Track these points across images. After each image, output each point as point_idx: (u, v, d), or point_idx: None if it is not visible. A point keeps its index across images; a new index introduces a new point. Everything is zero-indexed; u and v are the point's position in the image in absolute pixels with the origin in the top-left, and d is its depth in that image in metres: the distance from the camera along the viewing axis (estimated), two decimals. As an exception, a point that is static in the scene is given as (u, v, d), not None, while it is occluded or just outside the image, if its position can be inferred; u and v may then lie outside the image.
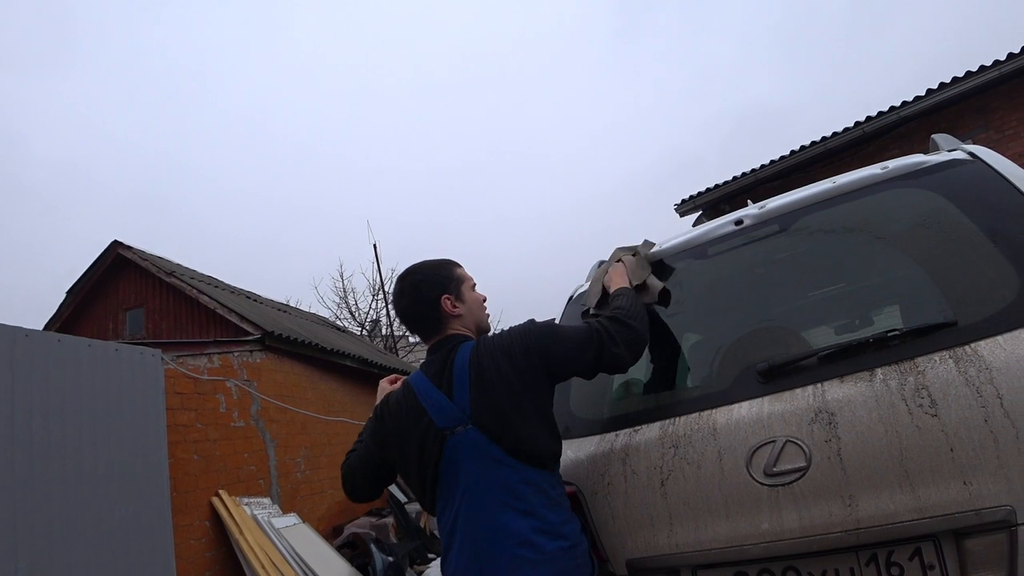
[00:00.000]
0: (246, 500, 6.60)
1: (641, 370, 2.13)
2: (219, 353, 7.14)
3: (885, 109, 9.69)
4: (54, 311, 12.29)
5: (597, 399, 2.13)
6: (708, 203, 11.80)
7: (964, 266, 1.69)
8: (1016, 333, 1.46)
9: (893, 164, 2.00)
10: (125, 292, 12.19)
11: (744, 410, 1.67)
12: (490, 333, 1.94)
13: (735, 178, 11.32)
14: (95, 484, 4.36)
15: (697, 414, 1.77)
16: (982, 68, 8.87)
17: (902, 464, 1.43)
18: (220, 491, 6.36)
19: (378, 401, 1.98)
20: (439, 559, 1.88)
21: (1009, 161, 1.86)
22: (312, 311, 19.80)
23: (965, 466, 1.38)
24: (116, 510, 4.49)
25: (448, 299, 1.87)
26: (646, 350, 1.92)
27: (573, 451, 1.95)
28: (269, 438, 7.60)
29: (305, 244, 47.11)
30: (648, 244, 2.26)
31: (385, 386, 2.05)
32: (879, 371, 1.56)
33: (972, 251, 1.68)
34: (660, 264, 2.21)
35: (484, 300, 2.00)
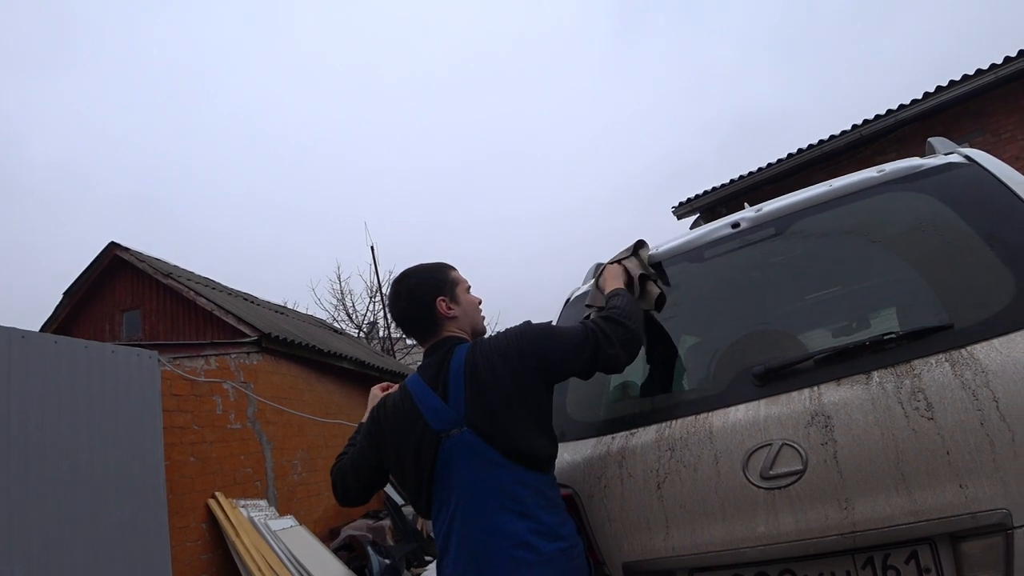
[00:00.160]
0: (242, 502, 6.59)
1: (638, 373, 2.13)
2: (216, 355, 7.13)
3: (882, 112, 9.72)
4: (51, 312, 12.27)
5: (593, 402, 2.13)
6: (705, 206, 11.81)
7: (960, 269, 1.69)
8: (1012, 336, 1.46)
9: (889, 167, 2.00)
10: (122, 293, 12.18)
11: (740, 413, 1.67)
12: (486, 335, 1.94)
13: (732, 181, 11.33)
14: (91, 486, 4.35)
15: (693, 417, 1.76)
16: (979, 72, 8.90)
17: (898, 467, 1.43)
18: (216, 493, 6.35)
19: (369, 408, 1.98)
20: (436, 562, 1.87)
21: (1005, 164, 1.87)
22: (309, 313, 19.81)
23: (961, 469, 1.38)
24: (112, 512, 4.48)
25: (443, 301, 1.87)
26: (643, 353, 1.92)
27: (569, 454, 1.94)
28: (266, 440, 7.59)
29: (303, 246, 47.13)
30: (640, 244, 2.25)
31: (377, 392, 2.05)
32: (875, 374, 1.56)
33: (968, 254, 1.68)
34: (657, 267, 2.21)
35: (479, 303, 2.00)
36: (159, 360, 5.51)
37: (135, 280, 12.01)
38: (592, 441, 1.94)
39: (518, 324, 1.82)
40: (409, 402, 1.79)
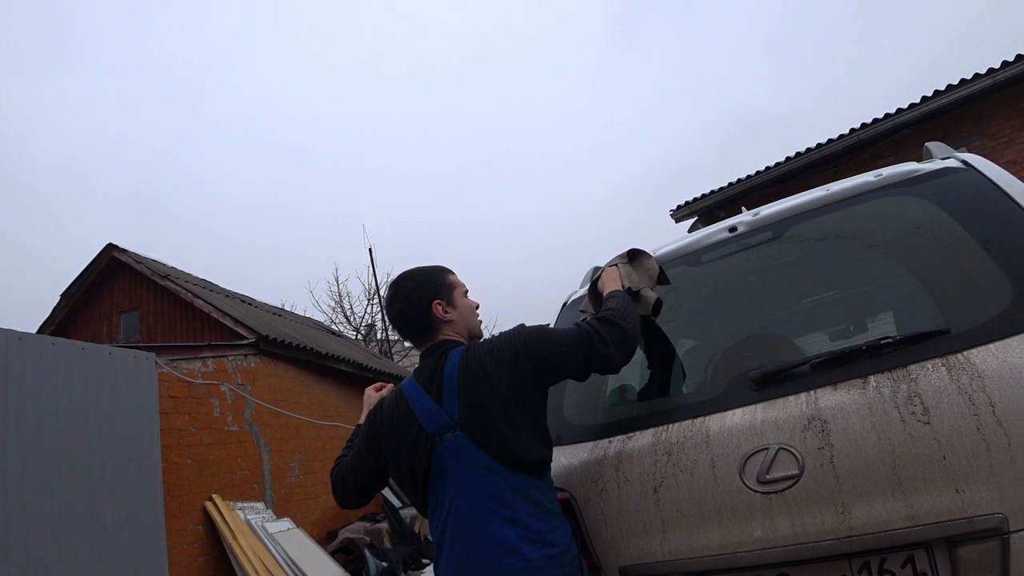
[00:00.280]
0: (240, 505, 6.58)
1: (634, 377, 2.13)
2: (213, 357, 7.12)
3: (880, 116, 9.73)
4: (48, 314, 12.26)
5: (590, 405, 2.13)
6: (703, 209, 11.82)
7: (957, 274, 1.69)
8: (1008, 341, 1.46)
9: (886, 172, 2.00)
10: (119, 295, 12.17)
11: (737, 417, 1.67)
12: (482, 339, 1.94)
13: (730, 184, 11.34)
14: (88, 488, 4.34)
15: (690, 421, 1.76)
16: (976, 76, 8.91)
17: (895, 472, 1.43)
18: (214, 495, 6.34)
19: (365, 408, 1.98)
20: (432, 563, 1.88)
21: (1002, 169, 1.87)
22: (307, 315, 19.81)
23: (958, 474, 1.38)
24: (109, 514, 4.47)
25: (440, 304, 1.87)
26: (640, 356, 1.92)
27: (566, 457, 1.94)
28: (263, 442, 7.57)
29: (301, 246, 47.14)
30: (634, 252, 2.23)
31: (371, 393, 2.05)
32: (872, 379, 1.56)
33: (965, 259, 1.68)
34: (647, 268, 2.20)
35: (477, 307, 2.00)
36: (156, 362, 5.50)
37: (133, 282, 12.01)
38: (589, 445, 1.94)
39: (513, 327, 1.82)
40: (404, 405, 1.79)
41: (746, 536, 1.55)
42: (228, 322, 9.63)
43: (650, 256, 2.13)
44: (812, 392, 1.61)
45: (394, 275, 1.99)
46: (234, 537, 6.00)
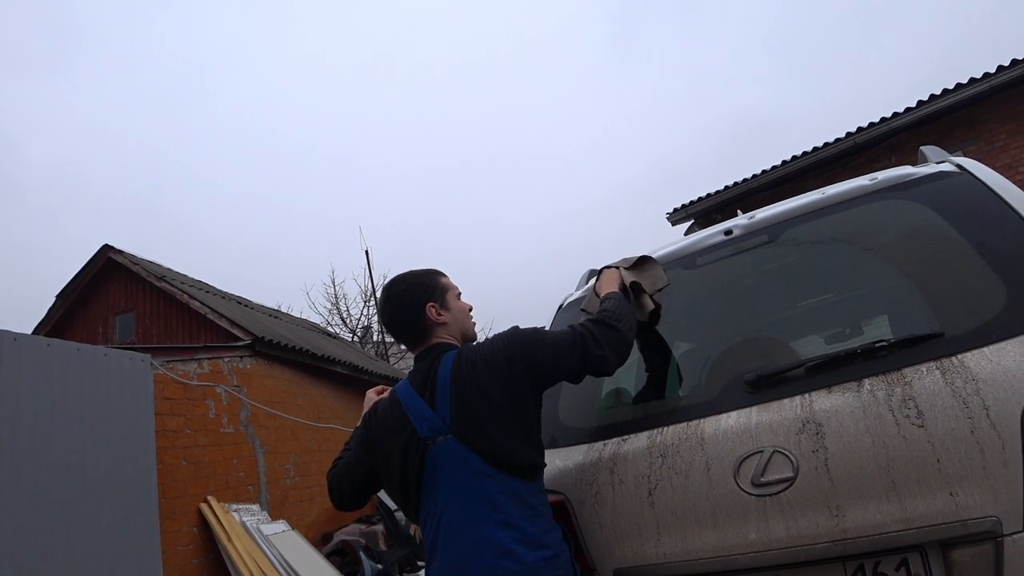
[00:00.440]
0: (235, 507, 6.56)
1: (630, 379, 2.13)
2: (209, 358, 7.11)
3: (876, 120, 9.77)
4: (44, 315, 12.22)
5: (585, 408, 2.12)
6: (699, 212, 11.86)
7: (951, 278, 1.70)
8: (1003, 345, 1.47)
9: (882, 176, 2.01)
10: (115, 296, 12.14)
11: (732, 420, 1.67)
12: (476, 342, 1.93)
13: (727, 187, 11.38)
14: (83, 489, 4.33)
15: (685, 424, 1.76)
16: (972, 80, 8.96)
17: (889, 475, 1.43)
18: (209, 497, 6.32)
19: (365, 411, 1.98)
20: (424, 567, 1.87)
21: (997, 173, 1.87)
22: (303, 317, 19.77)
23: (952, 477, 1.38)
24: (103, 516, 4.45)
25: (433, 307, 1.87)
26: (635, 359, 1.91)
27: (561, 460, 1.94)
28: (258, 444, 7.56)
29: (297, 249, 47.10)
30: (644, 259, 2.21)
31: (372, 396, 2.05)
32: (866, 382, 1.56)
33: (959, 263, 1.69)
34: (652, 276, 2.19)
35: (470, 309, 1.99)
36: (152, 363, 5.48)
37: (128, 283, 11.98)
38: (584, 447, 1.94)
39: (507, 329, 1.81)
40: (398, 408, 1.79)
41: (740, 539, 1.55)
42: (224, 323, 9.61)
43: (658, 265, 2.11)
44: (807, 395, 1.61)
45: (390, 277, 1.99)
46: (229, 539, 5.98)
